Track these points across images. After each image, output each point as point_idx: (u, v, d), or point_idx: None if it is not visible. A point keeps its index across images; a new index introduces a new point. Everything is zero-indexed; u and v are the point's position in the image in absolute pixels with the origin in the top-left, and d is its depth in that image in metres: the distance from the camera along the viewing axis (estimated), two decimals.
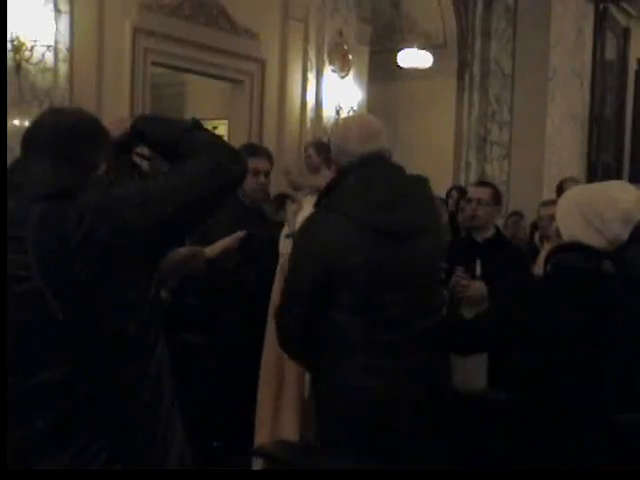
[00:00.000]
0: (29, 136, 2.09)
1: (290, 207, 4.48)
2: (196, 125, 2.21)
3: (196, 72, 8.69)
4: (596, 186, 3.08)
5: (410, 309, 2.85)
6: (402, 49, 10.83)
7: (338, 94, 9.65)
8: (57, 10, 6.51)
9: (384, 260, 2.80)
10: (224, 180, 2.07)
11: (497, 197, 4.73)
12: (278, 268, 4.21)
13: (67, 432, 1.90)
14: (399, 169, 3.05)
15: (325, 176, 3.84)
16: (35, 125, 2.10)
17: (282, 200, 6.21)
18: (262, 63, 8.85)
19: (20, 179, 1.99)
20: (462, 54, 11.52)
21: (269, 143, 7.59)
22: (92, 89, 6.97)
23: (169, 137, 2.16)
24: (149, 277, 2.03)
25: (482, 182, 6.30)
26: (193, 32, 7.96)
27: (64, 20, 6.59)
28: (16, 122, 6.30)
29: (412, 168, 3.16)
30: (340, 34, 9.72)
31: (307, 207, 3.92)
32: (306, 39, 9.35)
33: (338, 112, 9.55)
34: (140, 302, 1.99)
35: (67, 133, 2.06)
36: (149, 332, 2.03)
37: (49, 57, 6.47)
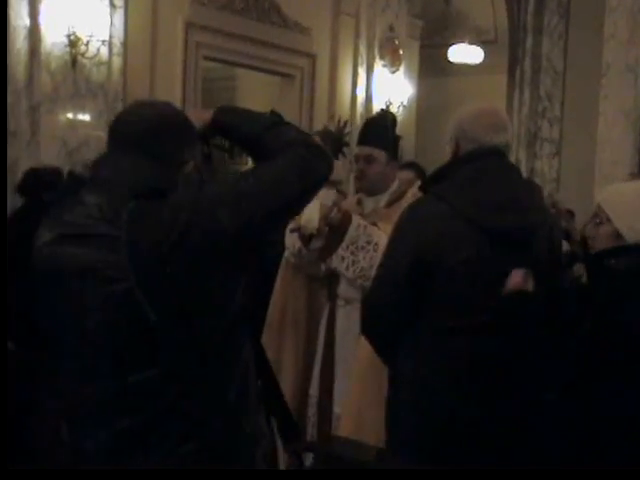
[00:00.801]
0: (116, 130, 2.01)
1: None
2: (280, 120, 2.17)
3: (247, 66, 8.73)
4: None
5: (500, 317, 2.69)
6: (453, 44, 10.78)
7: (388, 89, 9.63)
8: (112, 5, 6.58)
9: (487, 262, 2.68)
10: (313, 179, 2.01)
11: None
12: (283, 261, 4.19)
13: (157, 433, 1.88)
14: (516, 170, 2.96)
15: (336, 166, 3.81)
16: (122, 119, 2.03)
17: None
18: (313, 58, 8.87)
19: (108, 174, 1.93)
20: (513, 50, 11.44)
21: None
22: (145, 82, 7.05)
23: (253, 131, 2.09)
24: (239, 278, 1.99)
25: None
26: (245, 26, 8.02)
27: (119, 15, 6.67)
28: (70, 115, 6.40)
29: None
30: (391, 29, 9.69)
31: (315, 201, 3.65)
32: (357, 34, 9.35)
33: (388, 107, 9.52)
34: (229, 303, 1.95)
35: (156, 128, 1.99)
36: (237, 333, 2.00)
37: (104, 51, 6.54)
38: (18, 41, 6.06)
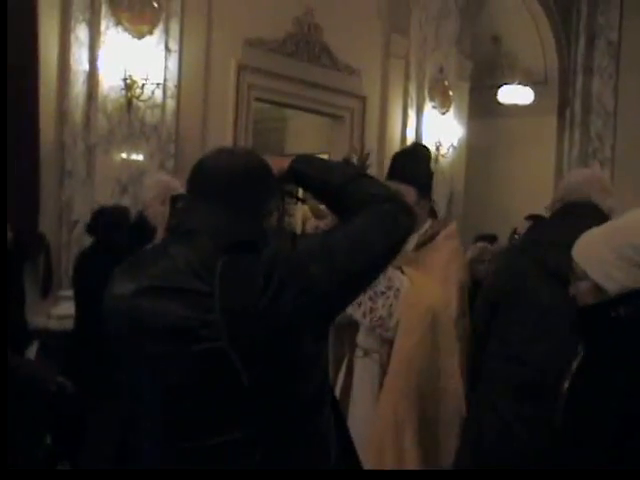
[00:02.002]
0: (199, 179, 1.94)
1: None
2: (359, 172, 2.13)
3: (298, 107, 8.83)
4: (616, 223, 2.66)
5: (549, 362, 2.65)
6: (502, 85, 10.79)
7: (438, 130, 9.65)
8: (167, 49, 6.73)
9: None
10: (399, 235, 1.95)
11: None
12: None
13: None
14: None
15: None
16: (206, 168, 1.95)
17: None
18: (363, 99, 8.94)
19: (194, 226, 1.86)
20: (563, 90, 11.40)
21: None
22: (197, 124, 7.17)
23: (333, 182, 2.03)
24: (324, 341, 1.93)
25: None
26: (296, 68, 8.13)
27: (173, 59, 6.82)
28: (124, 155, 6.53)
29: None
30: (441, 70, 9.74)
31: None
32: (407, 75, 9.41)
33: (438, 148, 9.54)
34: (316, 367, 1.90)
35: (243, 179, 1.92)
36: (323, 390, 1.95)
37: (158, 94, 6.67)
38: (77, 85, 6.23)
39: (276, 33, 7.96)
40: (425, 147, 3.82)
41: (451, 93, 9.84)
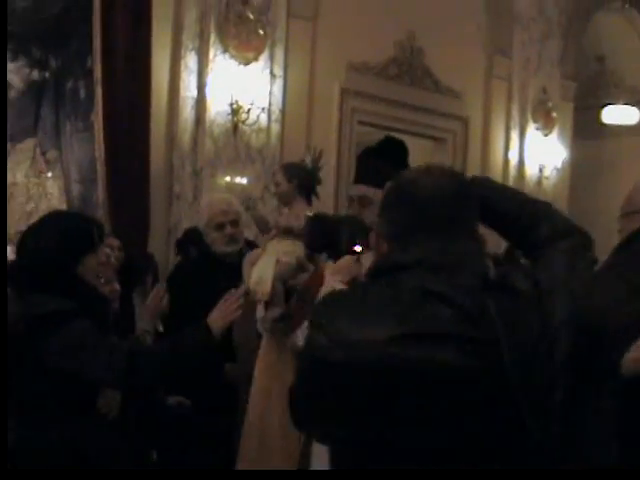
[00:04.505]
0: (420, 205, 1.69)
1: (248, 255, 3.51)
2: (536, 200, 1.97)
3: (400, 130, 8.83)
4: None
5: None
6: (607, 105, 10.60)
7: (541, 152, 9.53)
8: (272, 75, 6.88)
9: None
10: (589, 267, 1.85)
11: None
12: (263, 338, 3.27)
13: None
14: None
15: (300, 209, 3.00)
16: (423, 191, 1.71)
17: None
18: (465, 121, 8.92)
19: (436, 258, 1.66)
20: None
21: None
22: (301, 147, 7.23)
23: (513, 209, 1.87)
24: None
25: None
26: (398, 92, 8.19)
27: (278, 84, 6.96)
28: (228, 178, 6.68)
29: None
30: (544, 91, 9.63)
31: (268, 256, 2.97)
32: (509, 97, 9.36)
33: (541, 170, 9.43)
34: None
35: (462, 201, 1.73)
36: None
37: (263, 118, 6.83)
38: (185, 111, 6.44)
39: (379, 57, 8.04)
40: (396, 141, 3.20)
41: (554, 114, 9.71)
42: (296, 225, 2.93)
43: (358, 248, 2.33)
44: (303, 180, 3.04)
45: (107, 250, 3.45)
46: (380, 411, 1.59)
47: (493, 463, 1.58)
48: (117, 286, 3.39)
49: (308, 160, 3.71)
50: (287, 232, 2.96)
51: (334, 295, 1.90)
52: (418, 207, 1.70)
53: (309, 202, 3.05)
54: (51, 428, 2.60)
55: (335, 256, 2.85)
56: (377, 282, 1.71)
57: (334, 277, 2.73)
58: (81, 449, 2.62)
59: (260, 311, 2.97)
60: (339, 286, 2.63)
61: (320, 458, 2.68)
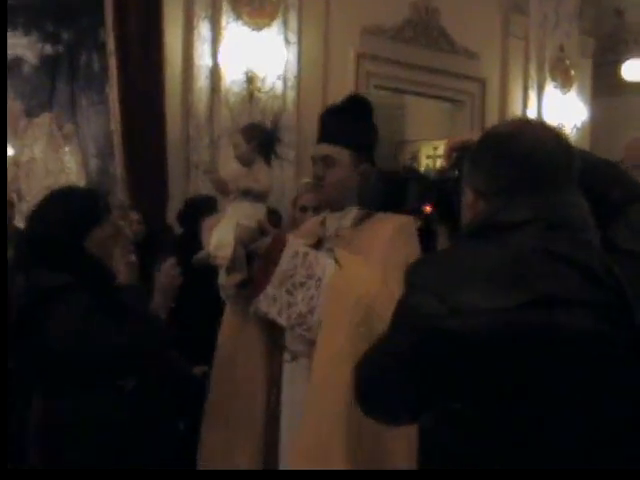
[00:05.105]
0: (527, 156, 1.61)
1: (206, 221, 3.33)
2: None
3: (417, 93, 8.80)
4: None
5: None
6: (627, 60, 10.44)
7: (560, 111, 9.44)
8: (286, 41, 6.83)
9: None
10: None
11: None
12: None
13: None
14: None
15: (261, 172, 2.85)
16: (529, 142, 1.62)
17: None
18: (482, 82, 8.83)
19: (553, 215, 1.57)
20: None
21: None
22: (318, 113, 7.20)
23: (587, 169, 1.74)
24: None
25: None
26: (414, 54, 8.10)
27: (292, 50, 6.92)
28: None
29: None
30: (561, 49, 9.52)
31: (227, 220, 2.82)
32: (527, 56, 9.25)
33: (561, 129, 9.34)
34: None
35: (567, 152, 1.65)
36: None
37: (279, 86, 6.80)
38: (200, 80, 6.42)
39: (393, 19, 7.94)
40: (361, 98, 2.97)
41: (573, 72, 9.60)
42: (256, 186, 2.78)
43: (428, 208, 2.16)
44: (262, 140, 2.85)
45: (120, 222, 3.43)
46: (509, 381, 1.50)
47: (623, 436, 1.53)
48: (133, 257, 3.37)
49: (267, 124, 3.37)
50: (246, 194, 2.80)
51: (435, 257, 1.78)
52: (523, 160, 1.60)
53: (268, 163, 2.90)
54: (70, 400, 2.63)
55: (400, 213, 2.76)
56: (479, 242, 1.61)
57: (297, 240, 2.67)
58: (104, 419, 2.65)
59: (222, 277, 2.82)
60: (302, 249, 2.59)
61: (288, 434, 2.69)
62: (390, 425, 2.00)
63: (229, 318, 2.93)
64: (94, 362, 2.60)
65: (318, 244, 2.81)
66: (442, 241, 2.01)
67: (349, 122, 2.78)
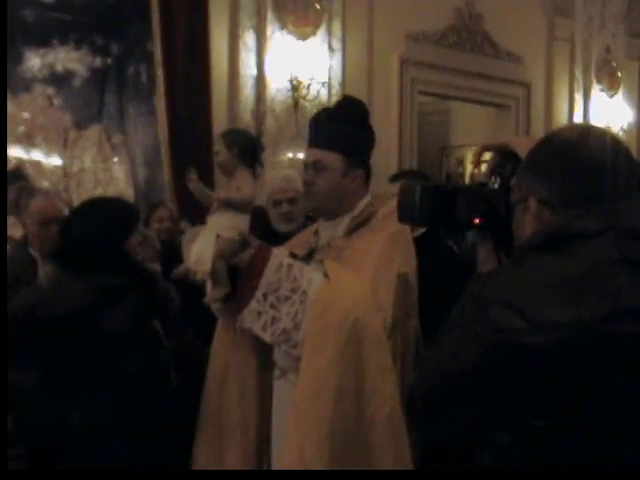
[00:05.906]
0: (596, 164, 1.58)
1: (187, 232, 3.38)
2: None
3: (462, 99, 8.78)
4: None
5: None
6: None
7: (607, 114, 9.37)
8: (331, 49, 6.88)
9: None
10: None
11: None
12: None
13: None
14: None
15: (242, 179, 2.76)
16: (596, 150, 1.60)
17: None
18: (527, 86, 8.80)
19: (628, 223, 1.54)
20: None
21: None
22: None
23: None
24: None
25: None
26: (458, 59, 8.11)
27: (337, 57, 6.97)
28: (291, 155, 6.70)
29: None
30: (608, 50, 9.44)
31: (208, 232, 2.72)
32: (572, 58, 9.19)
33: None
34: None
35: (630, 158, 1.62)
36: None
37: (323, 93, 6.84)
38: (246, 89, 6.50)
39: (437, 25, 7.96)
40: (356, 101, 2.82)
41: (619, 74, 9.51)
42: (237, 197, 2.70)
43: (477, 220, 2.07)
44: (245, 147, 2.75)
45: (147, 232, 3.54)
46: (590, 395, 1.47)
47: None
48: (157, 266, 3.39)
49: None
50: (227, 205, 2.73)
51: (505, 271, 1.72)
52: (596, 169, 1.56)
53: (253, 172, 2.78)
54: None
55: (450, 229, 2.56)
56: (552, 254, 1.55)
57: (282, 251, 2.59)
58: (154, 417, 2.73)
59: (208, 291, 2.73)
60: (287, 260, 2.50)
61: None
62: (450, 443, 1.92)
63: (219, 332, 2.84)
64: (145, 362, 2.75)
65: (311, 255, 2.72)
66: (484, 253, 1.93)
67: (340, 126, 2.66)
